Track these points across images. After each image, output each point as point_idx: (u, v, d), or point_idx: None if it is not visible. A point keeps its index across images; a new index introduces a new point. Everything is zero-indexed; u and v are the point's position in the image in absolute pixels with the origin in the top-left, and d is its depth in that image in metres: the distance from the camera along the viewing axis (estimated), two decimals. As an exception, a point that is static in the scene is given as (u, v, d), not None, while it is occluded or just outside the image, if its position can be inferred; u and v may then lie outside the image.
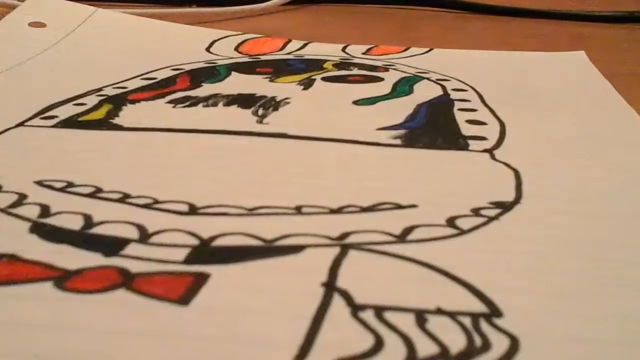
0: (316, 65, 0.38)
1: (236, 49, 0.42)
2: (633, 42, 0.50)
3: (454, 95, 0.33)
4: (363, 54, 0.41)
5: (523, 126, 0.28)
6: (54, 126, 0.28)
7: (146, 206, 0.21)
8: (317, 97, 0.32)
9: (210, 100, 0.31)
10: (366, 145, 0.26)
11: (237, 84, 0.35)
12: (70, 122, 0.29)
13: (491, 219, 0.21)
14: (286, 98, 0.32)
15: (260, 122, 0.28)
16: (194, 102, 0.31)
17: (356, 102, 0.31)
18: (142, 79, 0.35)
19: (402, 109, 0.30)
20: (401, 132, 0.27)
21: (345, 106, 0.31)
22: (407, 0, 0.61)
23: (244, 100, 0.31)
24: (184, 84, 0.34)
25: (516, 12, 0.57)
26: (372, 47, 0.43)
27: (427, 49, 0.43)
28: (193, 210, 0.21)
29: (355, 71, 0.37)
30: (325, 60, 0.39)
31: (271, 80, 0.35)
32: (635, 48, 0.48)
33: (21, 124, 0.28)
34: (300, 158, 0.25)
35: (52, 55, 0.40)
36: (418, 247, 0.19)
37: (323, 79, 0.35)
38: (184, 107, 0.31)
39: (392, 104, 0.31)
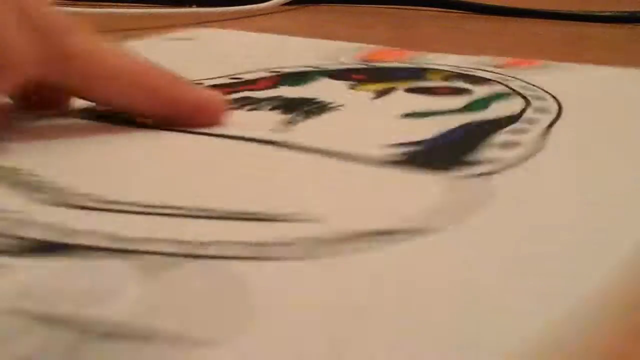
0: (419, 74, 0.37)
1: (360, 56, 0.41)
2: (633, 42, 0.50)
3: (528, 114, 0.31)
4: (495, 66, 0.39)
5: (556, 161, 0.26)
6: None
7: None
8: (371, 108, 0.32)
9: (260, 103, 0.32)
10: (343, 161, 0.26)
11: (316, 88, 0.34)
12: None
13: (367, 248, 0.19)
14: (340, 105, 0.32)
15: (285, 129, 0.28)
16: (242, 104, 0.32)
17: (408, 115, 0.31)
18: (229, 77, 0.36)
19: (440, 125, 0.29)
20: (407, 149, 0.27)
21: (386, 119, 0.30)
22: (407, 0, 0.61)
23: (292, 105, 0.31)
24: (263, 85, 0.35)
25: (516, 12, 0.57)
26: (510, 59, 0.41)
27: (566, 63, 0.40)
28: None
29: (442, 82, 0.36)
30: (436, 70, 0.38)
31: (351, 87, 0.35)
32: (635, 48, 0.48)
33: None
34: (249, 163, 0.25)
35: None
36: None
37: (407, 89, 0.34)
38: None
39: (438, 120, 0.30)
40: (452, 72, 0.38)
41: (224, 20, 0.53)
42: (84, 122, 0.29)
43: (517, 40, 0.49)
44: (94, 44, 0.27)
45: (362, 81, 0.36)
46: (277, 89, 0.34)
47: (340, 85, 0.35)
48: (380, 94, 0.34)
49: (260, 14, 0.55)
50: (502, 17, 0.57)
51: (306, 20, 0.54)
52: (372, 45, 0.44)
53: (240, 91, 0.34)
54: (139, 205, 0.21)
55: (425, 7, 0.60)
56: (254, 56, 0.42)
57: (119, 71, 0.27)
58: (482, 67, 0.39)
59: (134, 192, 0.22)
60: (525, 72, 0.38)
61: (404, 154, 0.26)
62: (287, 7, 0.58)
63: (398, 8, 0.61)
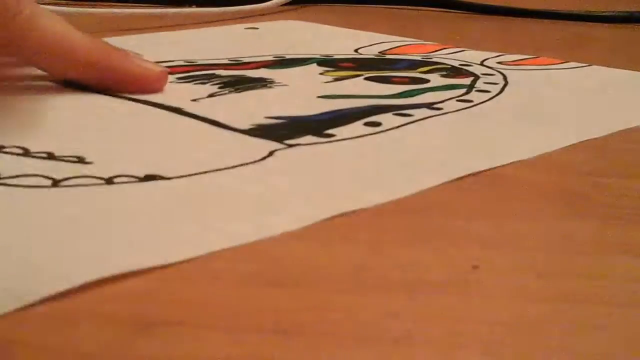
0: (411, 66, 0.39)
1: (382, 51, 0.43)
2: (633, 42, 0.50)
3: (441, 106, 0.32)
4: (511, 62, 0.41)
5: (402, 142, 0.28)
6: None
7: None
8: (307, 89, 0.35)
9: (213, 80, 0.36)
10: (216, 127, 0.29)
11: (290, 71, 0.38)
12: None
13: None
14: (284, 85, 0.35)
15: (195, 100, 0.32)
16: (195, 79, 0.36)
17: (324, 97, 0.33)
18: (229, 59, 0.40)
19: (337, 106, 0.32)
20: (275, 121, 0.30)
21: (303, 98, 0.33)
22: (407, 0, 0.61)
23: (235, 83, 0.35)
24: (251, 67, 0.38)
25: (516, 12, 0.57)
26: (528, 58, 0.42)
27: (587, 64, 0.40)
28: None
29: (403, 73, 0.38)
30: (430, 63, 0.40)
31: (321, 74, 0.37)
32: (635, 48, 0.48)
33: None
34: (141, 125, 0.29)
35: None
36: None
37: (366, 78, 0.37)
38: (181, 82, 0.35)
39: (344, 102, 0.32)
40: (443, 65, 0.40)
41: (224, 20, 0.53)
42: (49, 85, 0.33)
43: (517, 40, 0.49)
44: (37, 23, 0.31)
45: (343, 69, 0.39)
46: (257, 71, 0.38)
47: (316, 70, 0.38)
48: (339, 79, 0.37)
49: (261, 14, 0.55)
50: (502, 17, 0.57)
51: (306, 21, 0.54)
52: (411, 39, 0.46)
53: (219, 70, 0.38)
54: None
55: (425, 7, 0.60)
56: (295, 44, 0.45)
57: (54, 47, 0.31)
58: (486, 63, 0.41)
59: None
60: (521, 70, 0.39)
61: (264, 125, 0.29)
62: (287, 7, 0.58)
63: (398, 8, 0.61)
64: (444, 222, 0.22)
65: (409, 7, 0.61)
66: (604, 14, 0.56)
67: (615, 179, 0.26)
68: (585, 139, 0.29)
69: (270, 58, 0.41)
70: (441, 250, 0.20)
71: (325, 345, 0.16)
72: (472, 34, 0.52)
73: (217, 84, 0.35)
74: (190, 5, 0.56)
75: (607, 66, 0.40)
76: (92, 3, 0.56)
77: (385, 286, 0.18)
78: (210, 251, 0.19)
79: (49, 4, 0.50)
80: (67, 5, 0.53)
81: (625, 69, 0.39)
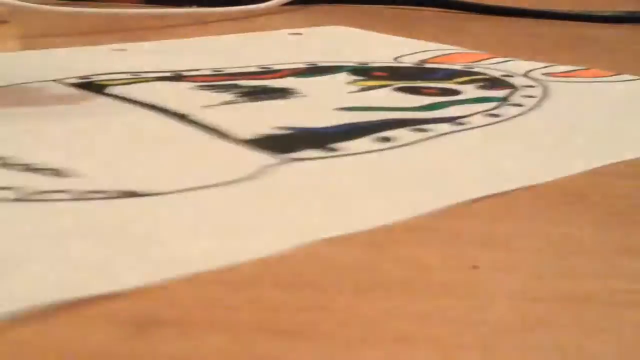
0: (447, 77, 0.38)
1: (423, 60, 0.42)
2: (633, 42, 0.50)
3: (465, 121, 0.31)
4: (560, 73, 0.39)
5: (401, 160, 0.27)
6: None
7: None
8: (329, 100, 0.34)
9: (232, 90, 0.35)
10: (214, 138, 0.28)
11: (318, 80, 0.37)
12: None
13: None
14: (303, 96, 0.34)
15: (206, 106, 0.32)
16: (215, 89, 0.36)
17: (342, 108, 0.32)
18: (258, 67, 0.40)
19: (344, 119, 0.31)
20: (278, 132, 0.29)
21: (316, 110, 0.32)
22: (407, 0, 0.61)
23: (261, 93, 0.35)
24: (277, 75, 0.38)
25: (516, 12, 0.57)
26: (579, 69, 0.40)
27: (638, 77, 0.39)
28: None
29: (436, 83, 0.37)
30: (466, 73, 0.39)
31: (350, 83, 0.37)
32: (635, 48, 0.48)
33: None
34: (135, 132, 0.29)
35: None
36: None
37: (395, 88, 0.36)
38: (200, 89, 0.35)
39: (358, 114, 0.32)
40: (483, 75, 0.39)
41: (224, 20, 0.53)
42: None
43: (517, 40, 0.49)
44: None
45: (376, 78, 0.38)
46: (281, 80, 0.37)
47: (345, 79, 0.37)
48: (365, 89, 0.36)
49: (261, 14, 0.55)
50: (502, 17, 0.57)
51: (306, 21, 0.54)
52: (456, 48, 0.45)
53: (241, 80, 0.37)
54: None
55: (425, 7, 0.60)
56: (334, 50, 0.45)
57: None
58: (531, 75, 0.39)
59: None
60: (567, 83, 0.38)
61: (267, 135, 0.29)
62: (287, 7, 0.58)
63: (398, 8, 0.61)
64: (444, 222, 0.22)
65: (409, 7, 0.61)
66: (604, 14, 0.56)
67: (615, 179, 0.26)
68: (609, 162, 0.27)
69: (302, 65, 0.40)
70: (441, 250, 0.20)
71: (325, 345, 0.16)
72: (472, 33, 0.52)
73: (234, 93, 0.35)
74: (190, 5, 0.56)
75: (607, 66, 0.40)
76: (92, 3, 0.56)
77: (385, 286, 0.18)
78: (189, 272, 0.18)
79: (50, 4, 0.50)
80: (67, 5, 0.53)
81: (625, 70, 0.39)
